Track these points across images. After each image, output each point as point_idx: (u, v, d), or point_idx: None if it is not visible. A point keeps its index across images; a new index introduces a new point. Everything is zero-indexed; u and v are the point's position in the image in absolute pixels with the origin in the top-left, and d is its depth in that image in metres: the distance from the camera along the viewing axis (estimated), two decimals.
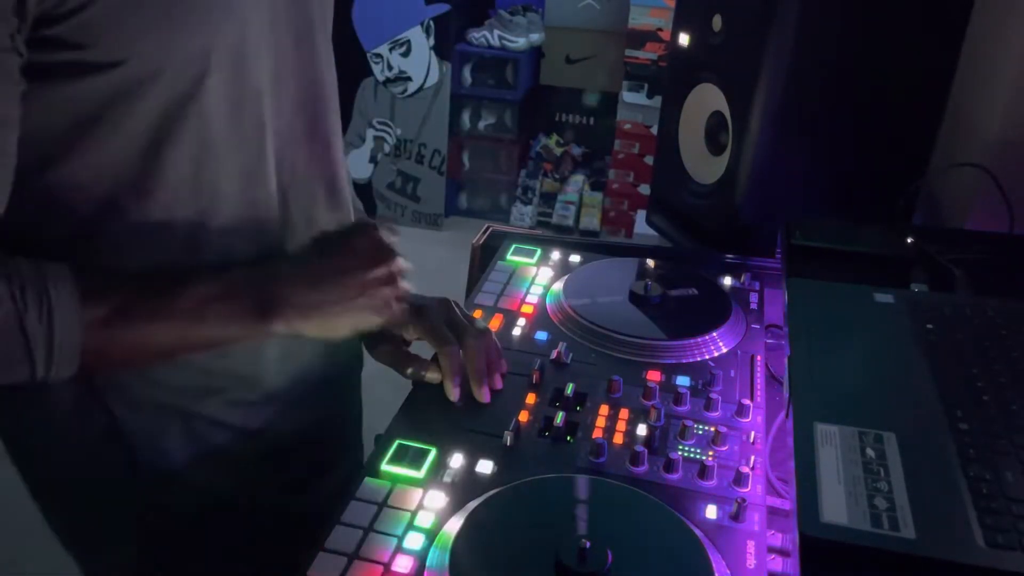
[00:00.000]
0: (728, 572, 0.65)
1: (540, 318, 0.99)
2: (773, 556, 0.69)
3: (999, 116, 1.22)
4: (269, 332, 0.71)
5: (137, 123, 0.64)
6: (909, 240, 1.01)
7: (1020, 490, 0.60)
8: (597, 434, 0.80)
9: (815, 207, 1.18)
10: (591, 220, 3.68)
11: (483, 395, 0.82)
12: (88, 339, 0.62)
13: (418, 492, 0.71)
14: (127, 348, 0.67)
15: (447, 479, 0.73)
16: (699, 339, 0.93)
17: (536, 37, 3.59)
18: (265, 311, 0.71)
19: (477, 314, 0.98)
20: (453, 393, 0.82)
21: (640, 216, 3.45)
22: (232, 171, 0.71)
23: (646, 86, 3.42)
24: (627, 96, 3.46)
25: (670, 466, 0.75)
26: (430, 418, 0.81)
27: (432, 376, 0.84)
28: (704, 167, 1.28)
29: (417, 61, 3.56)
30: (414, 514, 0.69)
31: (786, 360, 0.79)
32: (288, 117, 0.75)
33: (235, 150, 0.70)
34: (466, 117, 3.74)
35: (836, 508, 0.58)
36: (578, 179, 3.77)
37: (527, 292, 1.04)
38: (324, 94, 0.80)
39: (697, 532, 0.68)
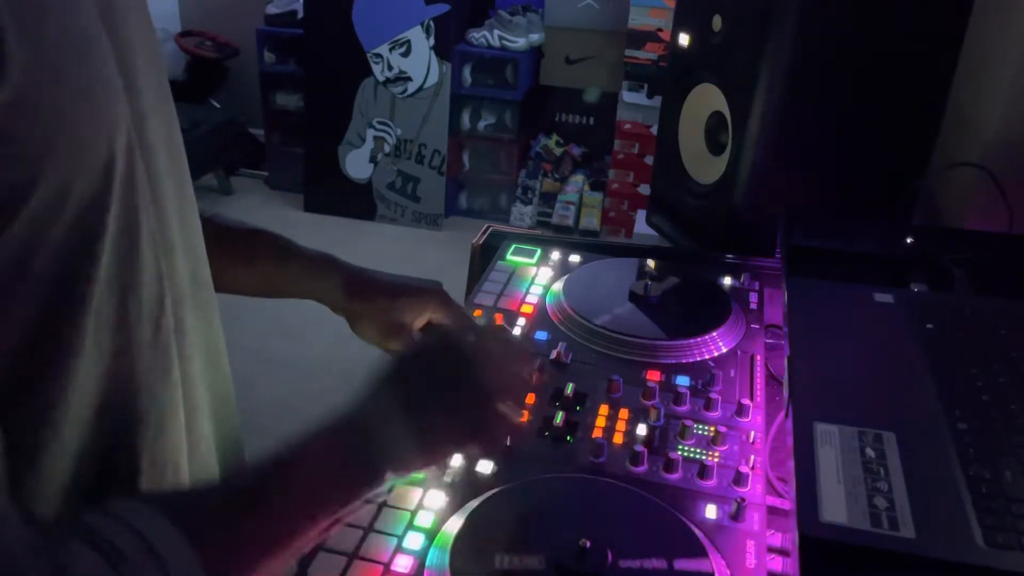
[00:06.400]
0: (728, 572, 0.65)
1: (540, 318, 0.99)
2: (773, 556, 0.69)
3: (999, 116, 1.22)
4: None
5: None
6: (909, 240, 1.01)
7: (1019, 490, 0.60)
8: (597, 434, 0.80)
9: (815, 207, 1.18)
10: (591, 220, 3.68)
11: None
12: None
13: (418, 492, 0.71)
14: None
15: (447, 479, 0.73)
16: (699, 339, 0.93)
17: (536, 37, 3.59)
18: (376, 474, 0.59)
19: (477, 314, 0.98)
20: None
21: (640, 216, 3.45)
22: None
23: (646, 86, 3.42)
24: (627, 96, 3.46)
25: (670, 466, 0.75)
26: None
27: None
28: (704, 167, 1.28)
29: (417, 61, 3.56)
30: (414, 514, 0.69)
31: (786, 360, 0.79)
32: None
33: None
34: (466, 117, 3.74)
35: (836, 508, 0.58)
36: (578, 179, 3.77)
37: (527, 292, 1.04)
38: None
39: (697, 532, 0.68)
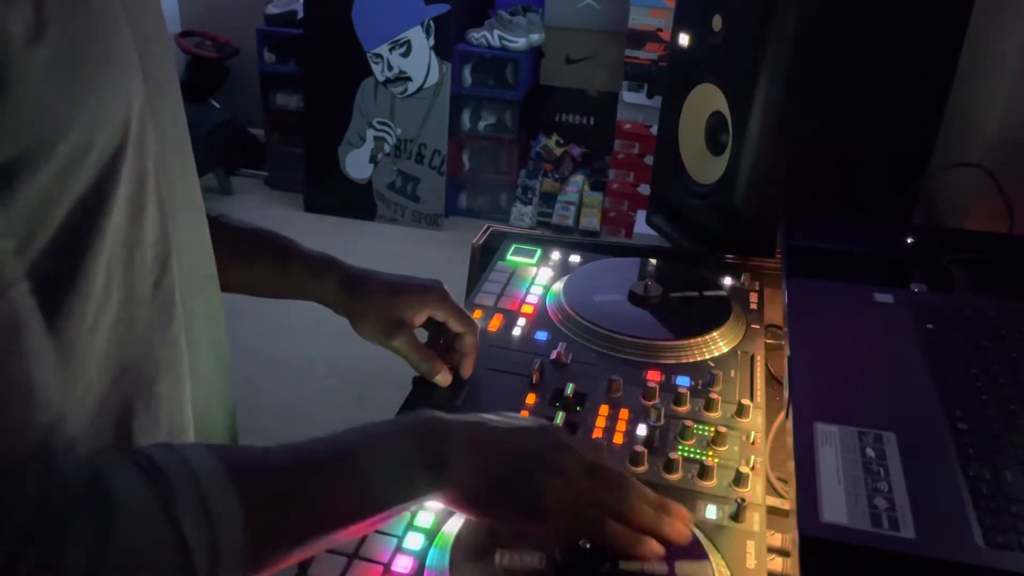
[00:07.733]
0: (728, 572, 0.65)
1: (540, 318, 0.99)
2: (773, 556, 0.69)
3: (999, 116, 1.22)
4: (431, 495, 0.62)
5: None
6: (909, 240, 1.01)
7: (1019, 490, 0.60)
8: (597, 434, 0.80)
9: (815, 207, 1.18)
10: (591, 220, 3.68)
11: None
12: (252, 537, 0.50)
13: None
14: (295, 536, 0.55)
15: None
16: (699, 339, 0.93)
17: (536, 37, 3.59)
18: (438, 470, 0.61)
19: (477, 314, 0.98)
20: (467, 372, 0.87)
21: (640, 216, 3.44)
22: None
23: (646, 86, 3.42)
24: (627, 96, 3.46)
25: (670, 466, 0.75)
26: None
27: (444, 378, 0.85)
28: (704, 167, 1.28)
29: (417, 61, 3.56)
30: (414, 514, 0.69)
31: (786, 360, 0.79)
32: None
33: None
34: (466, 117, 3.74)
35: (836, 508, 0.58)
36: (578, 179, 3.77)
37: (527, 292, 1.04)
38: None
39: (697, 532, 0.68)
